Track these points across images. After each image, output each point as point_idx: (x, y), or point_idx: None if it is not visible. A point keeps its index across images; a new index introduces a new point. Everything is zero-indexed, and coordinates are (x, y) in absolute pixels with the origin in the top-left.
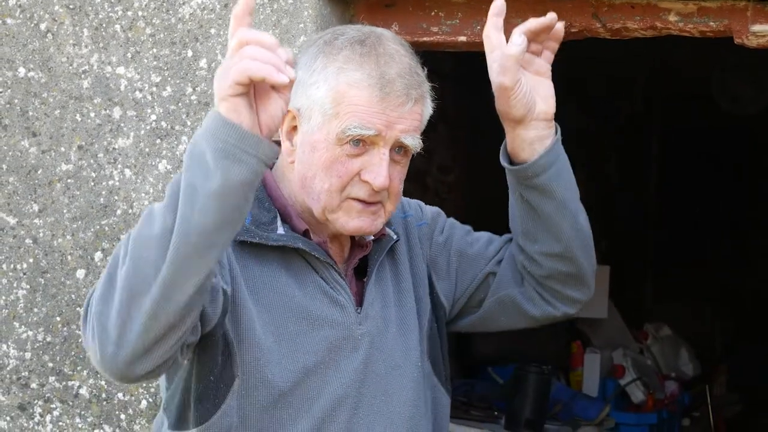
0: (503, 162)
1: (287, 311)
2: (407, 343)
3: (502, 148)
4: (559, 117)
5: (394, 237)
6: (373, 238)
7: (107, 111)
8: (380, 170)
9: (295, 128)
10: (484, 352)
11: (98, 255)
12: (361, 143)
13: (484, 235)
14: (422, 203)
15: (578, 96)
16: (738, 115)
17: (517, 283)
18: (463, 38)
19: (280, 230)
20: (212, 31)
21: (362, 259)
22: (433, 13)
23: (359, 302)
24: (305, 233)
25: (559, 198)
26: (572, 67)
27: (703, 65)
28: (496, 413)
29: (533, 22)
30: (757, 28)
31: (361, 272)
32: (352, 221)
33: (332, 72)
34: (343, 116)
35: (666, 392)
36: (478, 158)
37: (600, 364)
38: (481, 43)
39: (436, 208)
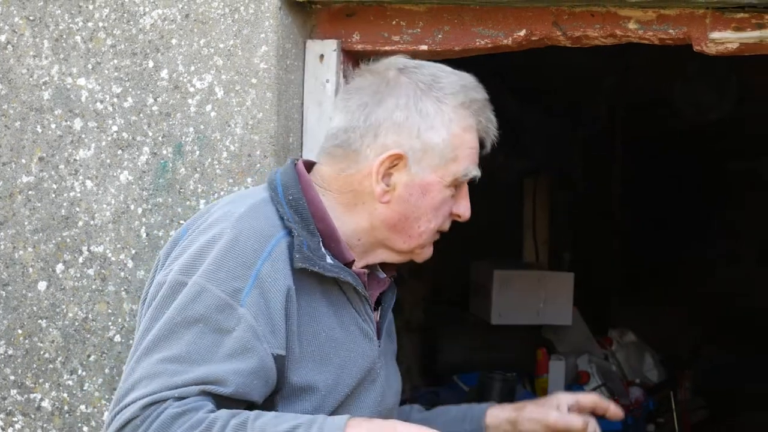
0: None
1: (328, 344)
2: (395, 374)
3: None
4: (526, 125)
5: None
6: (387, 276)
7: (68, 122)
8: (468, 204)
9: (392, 169)
10: (449, 359)
11: (60, 267)
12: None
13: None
14: None
15: (544, 103)
16: (701, 121)
17: None
18: (424, 47)
19: (329, 259)
20: (173, 41)
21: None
22: (394, 23)
23: (378, 335)
24: (350, 263)
25: None
26: (538, 75)
27: (666, 72)
28: None
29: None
30: (716, 35)
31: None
32: (429, 251)
33: (449, 116)
34: (462, 159)
35: (631, 398)
36: None
37: (565, 370)
38: (443, 52)
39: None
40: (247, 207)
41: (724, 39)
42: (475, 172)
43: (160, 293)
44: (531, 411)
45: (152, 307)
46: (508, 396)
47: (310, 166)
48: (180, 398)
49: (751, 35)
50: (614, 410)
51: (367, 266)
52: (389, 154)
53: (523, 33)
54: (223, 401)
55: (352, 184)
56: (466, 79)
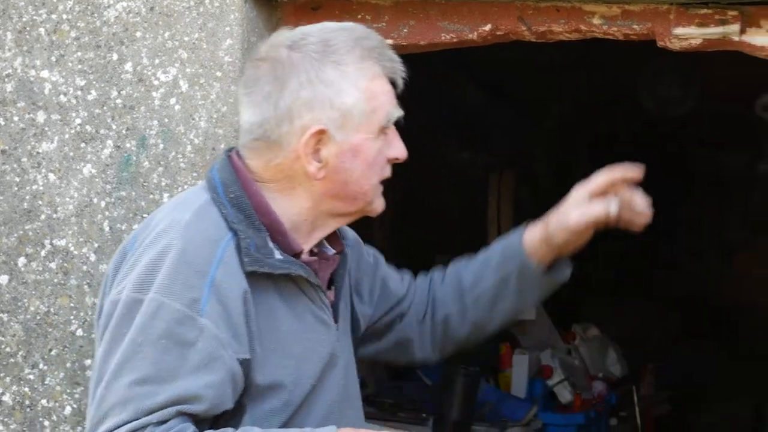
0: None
1: (287, 339)
2: (353, 350)
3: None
4: (491, 120)
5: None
6: (336, 252)
7: (31, 115)
8: (401, 143)
9: (318, 144)
10: None
11: (21, 260)
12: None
13: (395, 272)
14: None
15: (508, 98)
16: (665, 116)
17: (417, 329)
18: (389, 41)
19: (278, 255)
20: (138, 34)
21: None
22: (359, 16)
23: (335, 317)
24: (299, 254)
25: (537, 301)
26: (502, 69)
27: (630, 67)
28: (424, 415)
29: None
30: (679, 31)
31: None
32: (380, 202)
33: (353, 74)
34: (380, 108)
35: (593, 392)
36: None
37: (528, 365)
38: (408, 46)
39: (354, 232)
40: (191, 213)
41: (688, 35)
42: (398, 112)
43: (116, 313)
44: (556, 221)
45: (110, 328)
46: (471, 390)
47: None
48: (160, 423)
49: (714, 31)
50: (632, 171)
51: (315, 246)
52: (311, 132)
53: (488, 28)
54: (200, 417)
55: (284, 171)
56: (356, 30)
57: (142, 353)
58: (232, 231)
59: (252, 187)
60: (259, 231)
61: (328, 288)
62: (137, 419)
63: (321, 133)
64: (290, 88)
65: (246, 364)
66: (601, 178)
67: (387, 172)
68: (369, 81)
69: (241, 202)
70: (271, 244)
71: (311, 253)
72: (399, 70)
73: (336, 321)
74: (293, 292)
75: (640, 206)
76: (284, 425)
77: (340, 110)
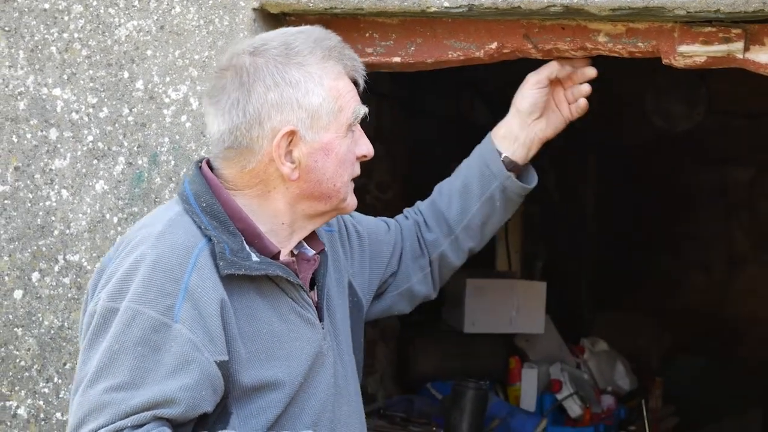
0: (505, 153)
1: (271, 340)
2: (348, 344)
3: (491, 147)
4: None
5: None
6: (316, 252)
7: (44, 132)
8: (368, 141)
9: (290, 146)
10: (423, 368)
11: (35, 275)
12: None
13: (380, 222)
14: None
15: None
16: (671, 131)
17: (414, 273)
18: (397, 59)
19: (254, 257)
20: (148, 52)
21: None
22: (367, 35)
23: (320, 316)
24: (276, 255)
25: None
26: (510, 85)
27: (637, 82)
28: (434, 429)
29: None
30: (684, 48)
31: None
32: (353, 200)
33: (317, 74)
34: (346, 106)
35: (603, 406)
36: (414, 176)
37: (537, 378)
38: (416, 64)
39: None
40: (163, 224)
41: (692, 52)
42: (363, 109)
43: (93, 323)
44: (514, 110)
45: (87, 338)
46: (481, 404)
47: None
48: (136, 426)
49: (718, 49)
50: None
51: (295, 248)
52: (282, 133)
53: (494, 46)
54: (178, 421)
55: (258, 176)
56: (314, 32)
57: (119, 360)
58: (206, 237)
59: (223, 195)
60: (234, 236)
61: (311, 288)
62: (113, 423)
63: (292, 134)
64: (257, 93)
65: (224, 366)
66: (548, 68)
67: (357, 170)
68: (333, 80)
69: (214, 209)
70: (247, 248)
71: (291, 254)
72: (360, 68)
73: (321, 319)
74: (275, 293)
75: (582, 78)
76: (275, 423)
77: (308, 110)
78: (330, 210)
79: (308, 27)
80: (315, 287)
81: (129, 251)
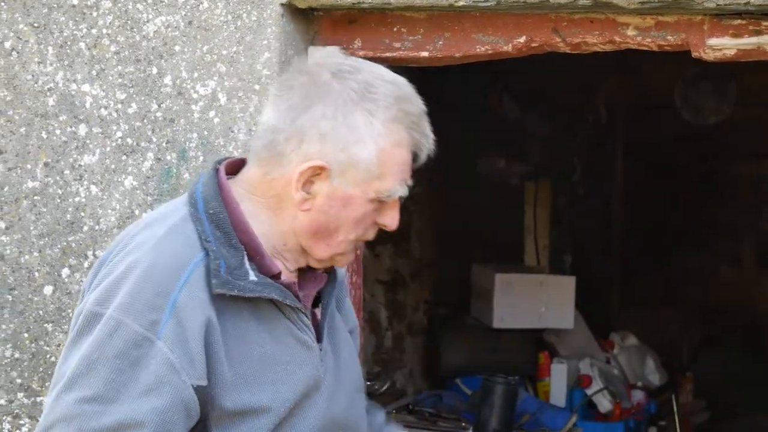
0: None
1: (261, 363)
2: (353, 363)
3: None
4: (527, 129)
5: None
6: (325, 271)
7: (73, 128)
8: (396, 215)
9: (314, 177)
10: (452, 363)
11: (65, 271)
12: None
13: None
14: None
15: (544, 107)
16: (700, 125)
17: None
18: (425, 53)
19: (252, 276)
20: (176, 48)
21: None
22: (395, 29)
23: (318, 337)
24: (277, 275)
25: None
26: (537, 79)
27: (666, 76)
28: (464, 424)
29: None
30: (713, 41)
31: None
32: (348, 259)
33: (378, 131)
34: (388, 177)
35: (633, 401)
36: (439, 171)
37: (567, 374)
38: (444, 58)
39: (344, 272)
40: (165, 229)
41: (722, 45)
42: (402, 191)
43: (77, 324)
44: None
45: (71, 336)
46: (511, 399)
47: (239, 166)
48: None
49: (748, 41)
50: None
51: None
52: (311, 164)
53: (522, 40)
54: None
55: (275, 188)
56: (403, 89)
57: (95, 371)
58: (205, 250)
59: (232, 204)
60: (235, 250)
61: (315, 306)
62: None
63: (321, 169)
64: (313, 113)
65: (201, 391)
66: None
67: (370, 234)
68: (391, 145)
69: (219, 218)
70: (247, 265)
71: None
72: (426, 146)
73: (320, 341)
74: (272, 313)
75: None
76: None
77: (349, 157)
78: (324, 258)
79: (404, 81)
80: (320, 304)
81: (126, 253)
